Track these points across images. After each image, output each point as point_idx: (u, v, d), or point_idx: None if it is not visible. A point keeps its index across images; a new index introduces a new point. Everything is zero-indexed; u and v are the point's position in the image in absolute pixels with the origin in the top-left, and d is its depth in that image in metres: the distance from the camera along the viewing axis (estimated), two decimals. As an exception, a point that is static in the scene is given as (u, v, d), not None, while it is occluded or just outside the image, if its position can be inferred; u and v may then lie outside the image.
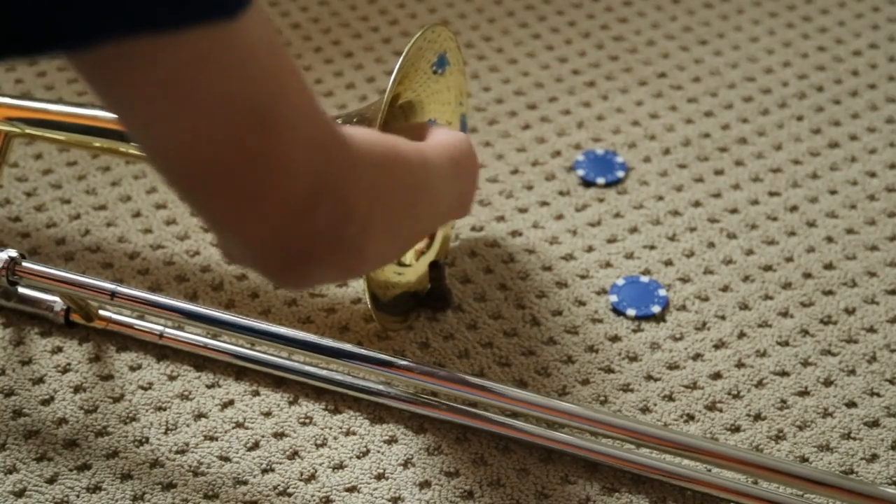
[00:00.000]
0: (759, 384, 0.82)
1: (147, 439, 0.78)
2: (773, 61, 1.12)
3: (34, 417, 0.79)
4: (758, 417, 0.80)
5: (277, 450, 0.78)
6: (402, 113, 0.84)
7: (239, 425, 0.79)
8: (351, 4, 1.19)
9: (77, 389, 0.81)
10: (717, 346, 0.84)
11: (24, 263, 0.80)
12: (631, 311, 0.86)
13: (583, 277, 0.90)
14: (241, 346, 0.82)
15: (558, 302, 0.88)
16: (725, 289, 0.89)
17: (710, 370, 0.83)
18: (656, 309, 0.87)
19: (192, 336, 0.83)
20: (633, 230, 0.94)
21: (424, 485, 0.76)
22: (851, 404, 0.80)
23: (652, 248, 0.92)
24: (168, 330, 0.83)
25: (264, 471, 0.76)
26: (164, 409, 0.80)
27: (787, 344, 0.85)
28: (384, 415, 0.80)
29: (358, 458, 0.77)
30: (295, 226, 0.55)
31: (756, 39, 1.15)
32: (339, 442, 0.78)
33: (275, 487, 0.75)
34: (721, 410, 0.80)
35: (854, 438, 0.78)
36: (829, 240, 0.93)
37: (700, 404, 0.80)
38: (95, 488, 0.75)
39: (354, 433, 0.79)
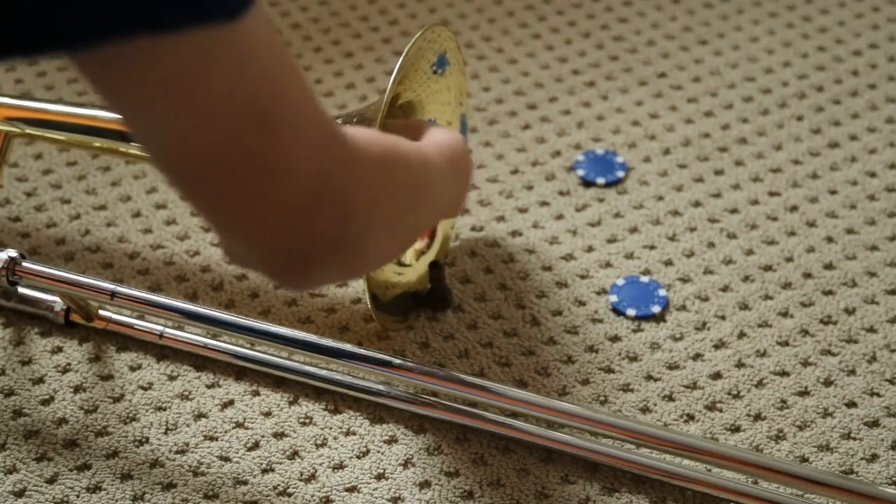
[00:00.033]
0: (759, 384, 0.82)
1: (147, 439, 0.78)
2: (773, 61, 1.12)
3: (34, 417, 0.79)
4: (758, 417, 0.80)
5: (277, 450, 0.78)
6: (402, 113, 0.84)
7: (239, 425, 0.79)
8: (351, 4, 1.19)
9: (77, 389, 0.81)
10: (717, 346, 0.84)
11: (24, 263, 0.80)
12: (631, 311, 0.86)
13: (583, 277, 0.90)
14: (241, 346, 0.82)
15: (558, 302, 0.88)
16: (725, 289, 0.89)
17: (710, 370, 0.83)
18: (656, 309, 0.87)
19: (192, 336, 0.83)
20: (633, 230, 0.94)
21: (424, 485, 0.76)
22: (851, 404, 0.80)
23: (652, 248, 0.92)
24: (168, 330, 0.83)
25: (264, 471, 0.76)
26: (164, 409, 0.80)
27: (787, 344, 0.85)
28: (384, 415, 0.80)
29: (358, 458, 0.77)
30: (297, 226, 0.55)
31: (756, 39, 1.15)
32: (339, 442, 0.78)
33: (275, 487, 0.75)
34: (721, 410, 0.80)
35: (854, 438, 0.78)
36: (829, 240, 0.93)
37: (700, 404, 0.80)
38: (95, 488, 0.75)
39: (354, 433, 0.79)
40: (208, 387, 0.81)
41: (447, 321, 0.86)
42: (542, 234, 0.93)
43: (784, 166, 1.00)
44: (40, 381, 0.82)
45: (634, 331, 0.85)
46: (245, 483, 0.76)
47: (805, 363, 0.83)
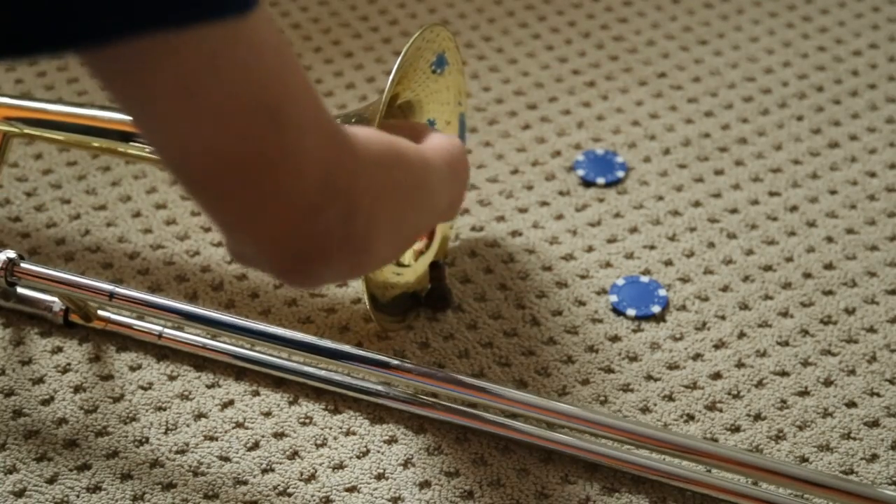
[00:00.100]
0: (759, 384, 0.82)
1: (147, 439, 0.78)
2: (773, 61, 1.12)
3: (34, 417, 0.79)
4: (758, 417, 0.80)
5: (277, 450, 0.78)
6: (401, 113, 0.84)
7: (239, 425, 0.79)
8: (351, 4, 1.19)
9: (77, 389, 0.81)
10: (717, 346, 0.84)
11: (23, 264, 0.80)
12: (631, 311, 0.86)
13: (583, 277, 0.90)
14: (241, 347, 0.82)
15: (558, 302, 0.88)
16: (725, 289, 0.89)
17: (710, 370, 0.83)
18: (656, 309, 0.87)
19: (192, 336, 0.83)
20: (633, 230, 0.94)
21: (424, 485, 0.76)
22: (851, 404, 0.80)
23: (652, 248, 0.92)
24: (167, 330, 0.83)
25: (264, 471, 0.76)
26: (164, 409, 0.80)
27: (787, 344, 0.85)
28: (384, 415, 0.80)
29: (358, 458, 0.77)
30: (304, 225, 0.55)
31: (756, 39, 1.15)
32: (339, 442, 0.78)
33: (275, 487, 0.75)
34: (721, 410, 0.80)
35: (854, 438, 0.78)
36: (829, 240, 0.93)
37: (700, 404, 0.80)
38: (95, 488, 0.75)
39: (354, 433, 0.79)
40: (208, 387, 0.81)
41: (447, 321, 0.86)
42: (542, 234, 0.93)
43: (784, 166, 1.00)
44: (40, 381, 0.82)
45: (634, 331, 0.85)
46: (245, 483, 0.76)
47: (805, 363, 0.83)
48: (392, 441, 0.78)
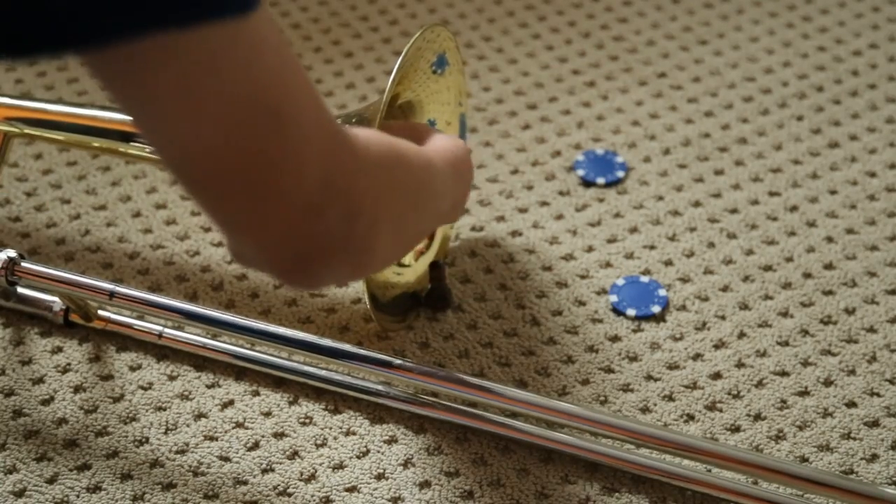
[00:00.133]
0: (759, 384, 0.82)
1: (147, 439, 0.78)
2: (773, 61, 1.12)
3: (34, 417, 0.79)
4: (758, 417, 0.80)
5: (277, 450, 0.78)
6: (402, 113, 0.84)
7: (239, 425, 0.79)
8: (351, 4, 1.19)
9: (77, 389, 0.81)
10: (717, 346, 0.84)
11: (23, 264, 0.80)
12: (631, 311, 0.86)
13: (583, 277, 0.90)
14: (241, 347, 0.82)
15: (558, 302, 0.88)
16: (725, 289, 0.89)
17: (710, 370, 0.83)
18: (656, 309, 0.87)
19: (192, 336, 0.83)
20: (633, 230, 0.94)
21: (424, 485, 0.76)
22: (851, 404, 0.80)
23: (652, 248, 0.92)
24: (167, 330, 0.83)
25: (264, 471, 0.76)
26: (164, 409, 0.80)
27: (787, 344, 0.85)
28: (384, 415, 0.80)
29: (358, 458, 0.77)
30: (306, 226, 0.55)
31: (756, 39, 1.15)
32: (339, 442, 0.78)
33: (275, 487, 0.75)
34: (721, 410, 0.80)
35: (854, 438, 0.78)
36: (829, 240, 0.93)
37: (700, 404, 0.80)
38: (95, 488, 0.75)
39: (354, 433, 0.79)
40: (208, 387, 0.81)
41: (447, 321, 0.86)
42: (542, 234, 0.93)
43: (784, 166, 1.00)
44: (40, 381, 0.82)
45: (634, 331, 0.85)
46: (245, 483, 0.76)
47: (805, 363, 0.83)
48: (392, 441, 0.78)
